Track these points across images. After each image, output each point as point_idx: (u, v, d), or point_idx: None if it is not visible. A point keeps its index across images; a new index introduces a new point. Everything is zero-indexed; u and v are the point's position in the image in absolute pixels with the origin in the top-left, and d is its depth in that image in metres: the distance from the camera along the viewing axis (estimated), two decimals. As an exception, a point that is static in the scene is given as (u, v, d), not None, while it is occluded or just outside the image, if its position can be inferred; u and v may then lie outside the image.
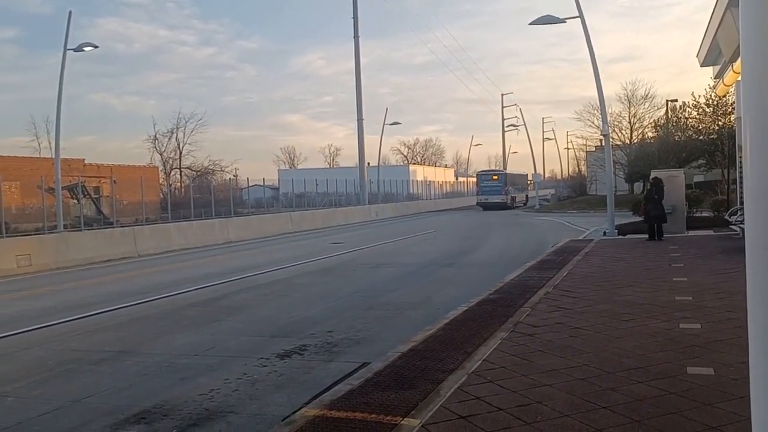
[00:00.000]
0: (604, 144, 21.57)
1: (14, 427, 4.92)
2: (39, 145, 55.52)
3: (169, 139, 62.51)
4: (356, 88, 45.31)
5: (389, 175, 55.07)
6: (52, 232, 21.14)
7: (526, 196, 53.95)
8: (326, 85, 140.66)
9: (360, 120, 45.73)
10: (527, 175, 57.68)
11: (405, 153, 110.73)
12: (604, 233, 19.09)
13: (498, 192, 44.42)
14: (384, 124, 48.54)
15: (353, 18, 44.88)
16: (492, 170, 56.15)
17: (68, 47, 21.98)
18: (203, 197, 33.88)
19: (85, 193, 31.99)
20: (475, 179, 53.26)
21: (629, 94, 46.19)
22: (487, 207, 44.90)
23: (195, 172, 61.60)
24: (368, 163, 48.52)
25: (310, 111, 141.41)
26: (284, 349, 6.97)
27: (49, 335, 8.28)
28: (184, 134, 62.75)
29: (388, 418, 4.34)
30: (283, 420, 4.55)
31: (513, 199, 47.49)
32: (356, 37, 44.99)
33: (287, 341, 7.34)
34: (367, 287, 11.56)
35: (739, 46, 1.73)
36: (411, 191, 58.87)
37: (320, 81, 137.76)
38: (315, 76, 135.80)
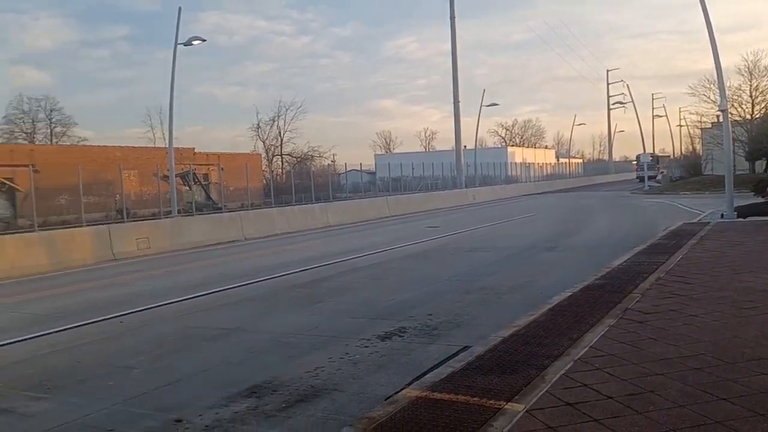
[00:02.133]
0: (722, 120, 20.04)
1: (140, 397, 5.34)
2: (154, 135, 59.64)
3: (271, 127, 65.14)
4: (452, 70, 44.79)
5: (486, 157, 54.22)
6: (167, 217, 22.61)
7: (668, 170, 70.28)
8: (419, 68, 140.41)
9: (456, 102, 45.24)
10: (668, 156, 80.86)
11: (503, 135, 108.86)
12: (722, 216, 17.82)
13: (652, 168, 57.69)
14: (481, 105, 47.74)
15: (449, -2, 44.25)
16: (647, 153, 72.26)
17: (177, 42, 23.23)
18: (303, 183, 34.88)
19: (196, 180, 33.98)
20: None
21: (750, 65, 42.57)
22: (643, 178, 59.18)
23: (295, 159, 63.79)
24: (465, 146, 47.98)
25: (404, 95, 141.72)
26: (385, 330, 7.08)
27: (168, 313, 8.90)
28: (284, 122, 65.14)
29: (492, 402, 4.30)
30: (386, 399, 4.63)
31: (661, 172, 61.15)
32: (452, 18, 44.36)
33: (387, 323, 7.45)
34: (464, 271, 11.49)
35: None
36: (509, 174, 57.75)
37: (413, 64, 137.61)
38: (408, 59, 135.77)
